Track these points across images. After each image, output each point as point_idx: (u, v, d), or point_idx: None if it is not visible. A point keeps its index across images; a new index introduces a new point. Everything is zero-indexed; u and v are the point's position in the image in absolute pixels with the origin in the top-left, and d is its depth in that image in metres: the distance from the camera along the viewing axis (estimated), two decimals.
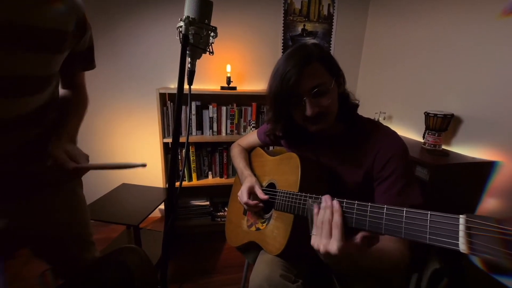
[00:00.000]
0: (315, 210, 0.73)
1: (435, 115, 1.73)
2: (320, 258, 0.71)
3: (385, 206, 0.62)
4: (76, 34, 0.89)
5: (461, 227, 0.47)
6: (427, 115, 1.79)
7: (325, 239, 0.67)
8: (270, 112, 1.06)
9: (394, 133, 1.00)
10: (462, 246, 0.46)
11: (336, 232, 0.66)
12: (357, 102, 1.07)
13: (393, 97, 2.42)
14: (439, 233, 0.51)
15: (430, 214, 0.53)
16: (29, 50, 0.75)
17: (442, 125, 1.73)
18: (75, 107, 1.03)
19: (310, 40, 1.00)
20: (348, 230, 0.67)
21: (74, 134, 1.00)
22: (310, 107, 0.92)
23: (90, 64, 1.04)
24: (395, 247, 0.84)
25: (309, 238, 1.04)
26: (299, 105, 0.94)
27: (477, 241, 0.45)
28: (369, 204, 0.65)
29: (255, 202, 1.14)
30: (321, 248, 0.67)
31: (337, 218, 0.67)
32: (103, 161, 2.63)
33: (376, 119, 2.11)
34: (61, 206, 1.01)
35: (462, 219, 0.48)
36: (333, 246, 0.65)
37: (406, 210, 0.57)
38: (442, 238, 0.50)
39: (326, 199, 0.72)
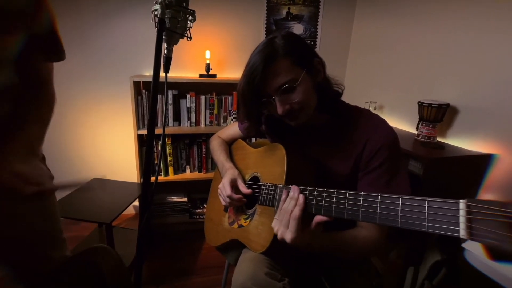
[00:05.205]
0: (283, 197, 0.84)
1: (430, 105, 1.72)
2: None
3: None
4: (28, 10, 0.80)
5: (462, 213, 0.48)
6: (421, 104, 1.78)
7: (283, 227, 0.80)
8: (242, 108, 1.05)
9: (384, 121, 1.01)
10: (463, 232, 0.47)
11: (293, 224, 0.78)
12: (341, 88, 1.06)
13: (385, 85, 2.43)
14: (438, 220, 0.51)
15: (428, 201, 0.53)
16: None
17: (437, 115, 1.73)
18: (36, 109, 0.90)
19: (282, 32, 0.96)
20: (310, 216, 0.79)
21: (34, 146, 0.87)
22: (280, 105, 0.93)
23: (56, 53, 0.95)
24: (369, 234, 0.95)
25: None
26: (270, 104, 0.96)
27: (479, 226, 0.46)
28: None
29: (238, 196, 1.12)
30: (278, 234, 0.81)
31: (297, 211, 0.78)
32: (71, 156, 2.61)
33: None
34: (29, 203, 0.97)
35: (462, 204, 0.49)
36: (288, 236, 0.78)
37: (402, 198, 0.58)
38: (442, 225, 0.51)
39: (294, 190, 0.82)
